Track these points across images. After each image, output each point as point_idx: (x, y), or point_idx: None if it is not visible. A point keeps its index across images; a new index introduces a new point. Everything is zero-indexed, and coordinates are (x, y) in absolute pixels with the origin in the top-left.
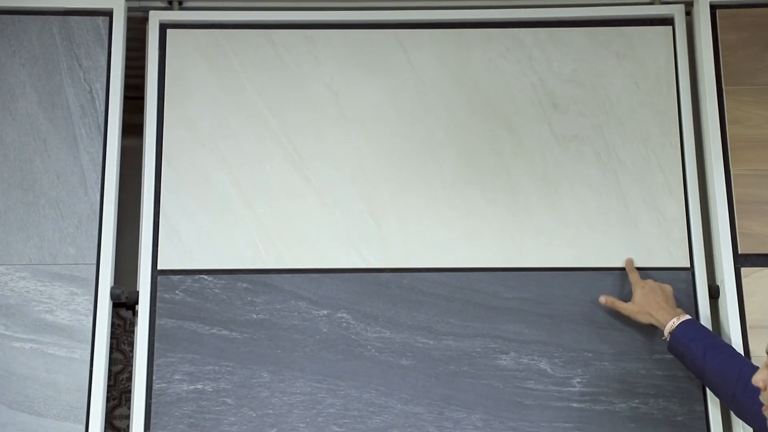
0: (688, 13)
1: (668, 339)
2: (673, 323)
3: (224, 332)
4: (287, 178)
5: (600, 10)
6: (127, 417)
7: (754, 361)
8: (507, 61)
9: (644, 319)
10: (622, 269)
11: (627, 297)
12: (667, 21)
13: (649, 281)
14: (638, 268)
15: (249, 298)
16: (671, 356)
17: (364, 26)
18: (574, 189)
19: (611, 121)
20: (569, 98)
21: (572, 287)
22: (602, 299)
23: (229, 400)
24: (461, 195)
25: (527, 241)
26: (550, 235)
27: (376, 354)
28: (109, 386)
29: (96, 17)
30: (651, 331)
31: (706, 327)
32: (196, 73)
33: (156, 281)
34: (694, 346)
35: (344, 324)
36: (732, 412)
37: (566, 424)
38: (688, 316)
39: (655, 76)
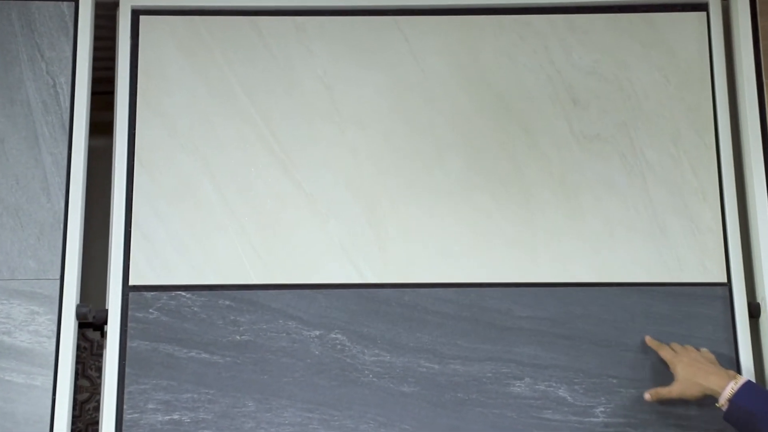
0: None
1: (726, 407)
2: (731, 388)
3: (204, 355)
4: (275, 182)
5: None
6: None
7: None
8: (521, 51)
9: (696, 391)
10: (650, 285)
11: (655, 318)
12: (701, 6)
13: (685, 350)
14: (668, 284)
15: (232, 318)
16: None
17: (361, 12)
18: (596, 194)
19: (637, 119)
20: (590, 93)
21: (594, 305)
22: (647, 396)
23: None
24: (469, 202)
25: (543, 254)
26: (569, 247)
27: (375, 380)
28: (74, 417)
29: (60, 2)
30: None
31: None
32: (172, 65)
33: (127, 298)
34: (761, 413)
35: (339, 346)
36: None
37: None
38: (744, 378)
39: (687, 67)
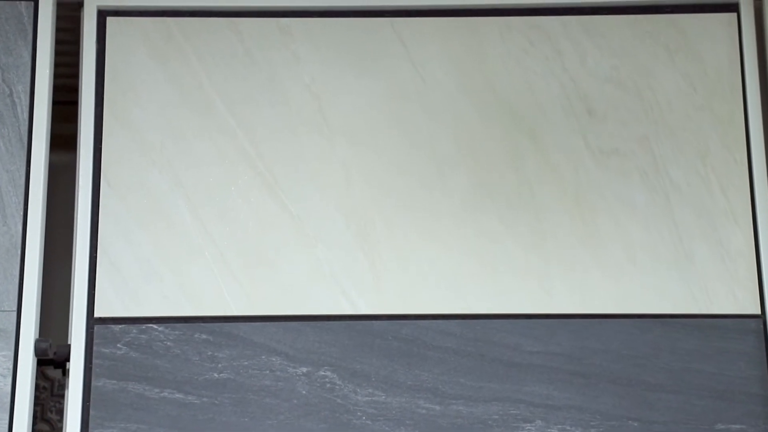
0: None
1: None
2: None
3: (178, 396)
4: (257, 203)
5: None
6: None
7: None
8: (530, 56)
9: None
10: (675, 317)
11: (681, 354)
12: (731, 7)
13: None
14: (695, 316)
15: (209, 353)
16: (738, 426)
17: (353, 14)
18: (615, 217)
19: (660, 132)
20: (608, 103)
21: (612, 339)
22: None
23: None
24: (474, 224)
25: (556, 282)
26: (585, 275)
27: (368, 422)
28: None
29: (17, 2)
30: (713, 394)
31: None
32: (143, 72)
33: (92, 332)
34: None
35: (328, 385)
36: None
37: None
38: None
39: (716, 75)
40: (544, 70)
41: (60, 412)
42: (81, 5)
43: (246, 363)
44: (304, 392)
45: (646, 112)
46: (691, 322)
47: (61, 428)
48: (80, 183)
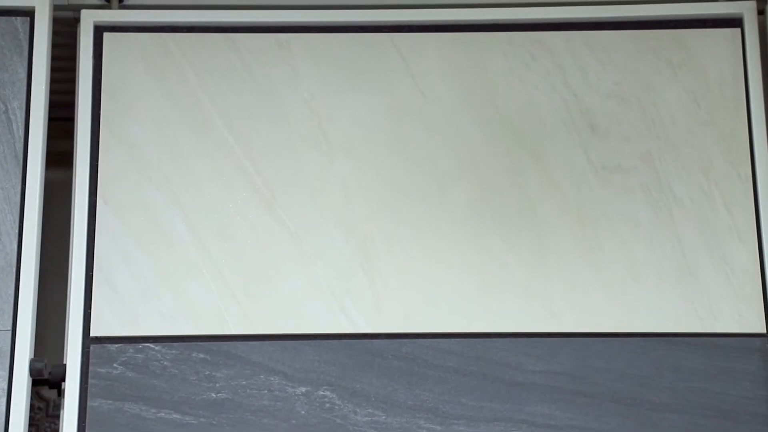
0: (761, 12)
1: None
2: None
3: (175, 416)
4: (256, 220)
5: (649, 9)
6: None
7: None
8: (532, 71)
9: None
10: (679, 335)
11: (685, 374)
12: (735, 22)
13: None
14: (699, 334)
15: (207, 373)
16: None
17: (352, 29)
18: (617, 233)
19: (663, 148)
20: (610, 118)
21: (616, 358)
22: None
23: None
24: (475, 241)
25: (558, 300)
26: (588, 292)
27: None
28: None
29: (13, 17)
30: (718, 414)
31: None
32: (140, 89)
33: (88, 352)
34: None
35: (327, 405)
36: None
37: None
38: None
39: (719, 90)
40: (546, 85)
41: None
42: (77, 21)
43: (244, 382)
44: (303, 412)
45: (648, 127)
46: (695, 340)
47: None
48: (76, 200)
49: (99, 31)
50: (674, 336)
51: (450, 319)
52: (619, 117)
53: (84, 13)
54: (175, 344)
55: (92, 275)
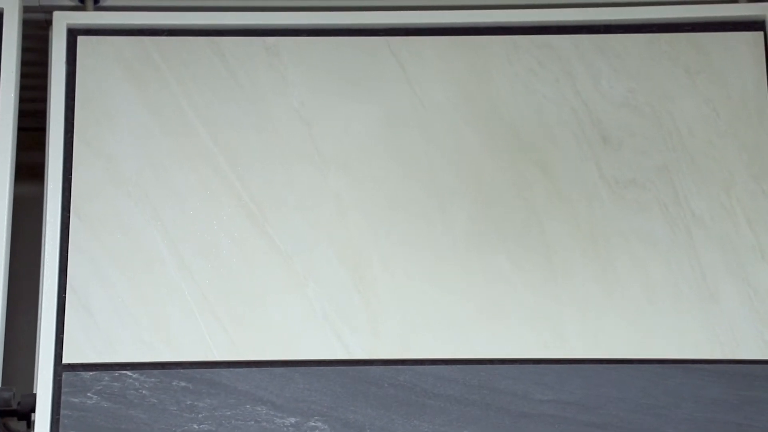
0: None
1: None
2: None
3: None
4: (242, 238)
5: (665, 11)
6: None
7: None
8: (539, 78)
9: None
10: (699, 362)
11: (705, 403)
12: (757, 25)
13: None
14: (720, 361)
15: (189, 402)
16: None
17: (346, 32)
18: (632, 253)
19: (681, 161)
20: (624, 129)
21: (631, 386)
22: None
23: None
24: (478, 261)
25: (569, 324)
26: (600, 316)
27: None
28: None
29: None
30: None
31: None
32: (117, 96)
33: (60, 380)
34: None
35: None
36: None
37: None
38: None
39: (741, 99)
40: (555, 93)
41: None
42: (49, 23)
43: (229, 413)
44: None
45: (665, 139)
46: (715, 368)
47: None
48: (48, 217)
49: (73, 34)
50: (693, 363)
51: (451, 345)
52: (633, 128)
53: (56, 14)
54: (155, 372)
55: (65, 297)
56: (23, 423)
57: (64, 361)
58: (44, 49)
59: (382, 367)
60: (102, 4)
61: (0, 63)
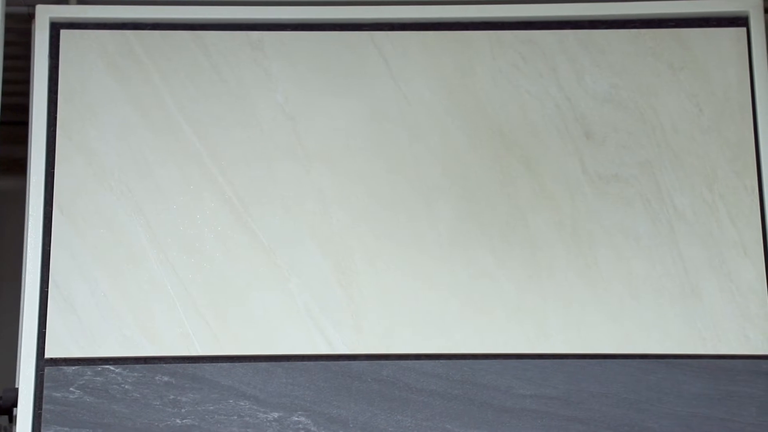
0: None
1: None
2: None
3: None
4: (225, 233)
5: (649, 6)
6: None
7: None
8: (523, 73)
9: None
10: (680, 357)
11: (687, 398)
12: (740, 21)
13: None
14: (702, 356)
15: (171, 397)
16: None
17: (330, 27)
18: (615, 248)
19: (664, 156)
20: (607, 125)
21: (613, 381)
22: None
23: None
24: (462, 256)
25: (552, 319)
26: (583, 310)
27: None
28: None
29: None
30: None
31: None
32: (100, 91)
33: (42, 375)
34: None
35: (302, 431)
36: None
37: None
38: None
39: (724, 94)
40: (538, 88)
41: None
42: (32, 16)
43: (212, 408)
44: None
45: (648, 134)
46: (697, 363)
47: None
48: (30, 211)
49: (55, 27)
50: (675, 358)
51: (434, 340)
52: (616, 123)
53: (39, 8)
54: (137, 366)
55: (47, 292)
56: (5, 418)
57: (47, 355)
58: (27, 42)
59: (365, 362)
60: None
61: None
